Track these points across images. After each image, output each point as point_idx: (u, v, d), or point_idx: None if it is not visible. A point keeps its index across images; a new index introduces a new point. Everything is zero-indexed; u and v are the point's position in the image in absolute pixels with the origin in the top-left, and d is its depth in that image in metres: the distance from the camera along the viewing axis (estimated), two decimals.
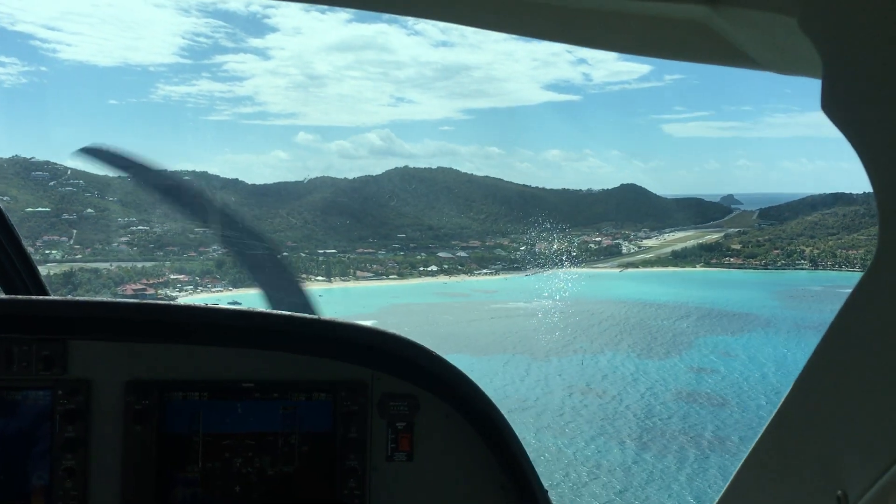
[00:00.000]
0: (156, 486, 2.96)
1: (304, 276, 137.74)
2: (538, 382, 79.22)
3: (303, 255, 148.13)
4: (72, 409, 2.90)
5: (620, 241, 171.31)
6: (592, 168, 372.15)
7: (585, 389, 75.29)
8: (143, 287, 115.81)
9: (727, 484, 2.20)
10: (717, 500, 2.26)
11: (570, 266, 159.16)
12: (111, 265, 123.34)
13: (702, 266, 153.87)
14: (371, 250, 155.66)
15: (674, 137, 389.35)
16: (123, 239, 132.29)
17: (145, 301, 3.06)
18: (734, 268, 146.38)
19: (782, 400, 1.85)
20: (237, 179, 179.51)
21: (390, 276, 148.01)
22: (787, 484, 1.88)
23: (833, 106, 1.47)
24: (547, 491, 3.13)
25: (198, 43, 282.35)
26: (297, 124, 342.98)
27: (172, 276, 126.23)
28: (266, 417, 3.08)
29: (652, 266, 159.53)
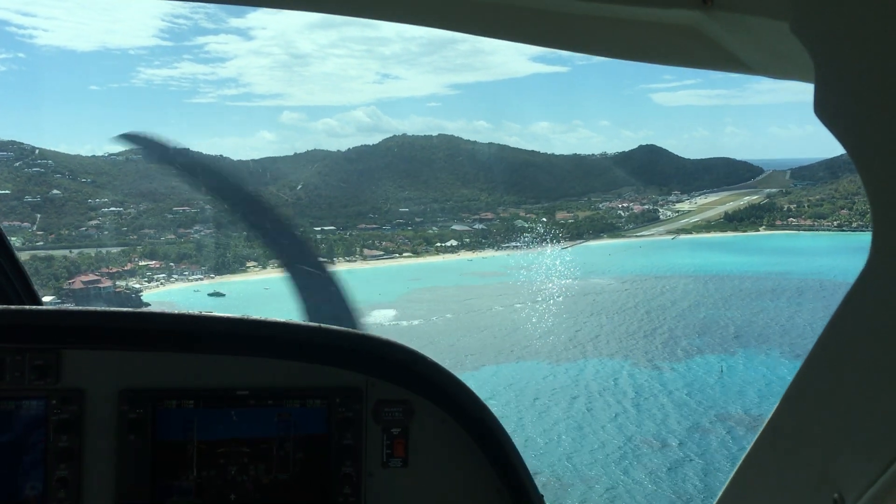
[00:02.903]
0: (150, 495, 2.83)
1: None
2: (648, 404, 51.00)
3: (297, 233, 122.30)
4: (65, 418, 2.77)
5: (649, 206, 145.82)
6: (582, 139, 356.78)
7: (743, 418, 46.95)
8: (98, 278, 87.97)
9: (723, 488, 2.08)
10: None
11: (607, 237, 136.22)
12: (71, 252, 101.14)
13: (765, 229, 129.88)
14: (374, 226, 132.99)
15: (663, 107, 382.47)
16: (93, 222, 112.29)
17: (139, 310, 2.94)
18: (803, 230, 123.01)
19: (778, 403, 1.76)
20: (221, 156, 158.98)
21: (404, 254, 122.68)
22: (784, 487, 1.80)
23: (826, 110, 1.41)
24: (542, 496, 2.94)
25: (177, 24, 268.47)
26: (283, 105, 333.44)
27: (142, 263, 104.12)
28: (261, 425, 2.90)
29: (708, 231, 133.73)
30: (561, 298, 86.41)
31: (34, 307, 3.12)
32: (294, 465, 2.88)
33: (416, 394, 2.93)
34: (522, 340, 69.49)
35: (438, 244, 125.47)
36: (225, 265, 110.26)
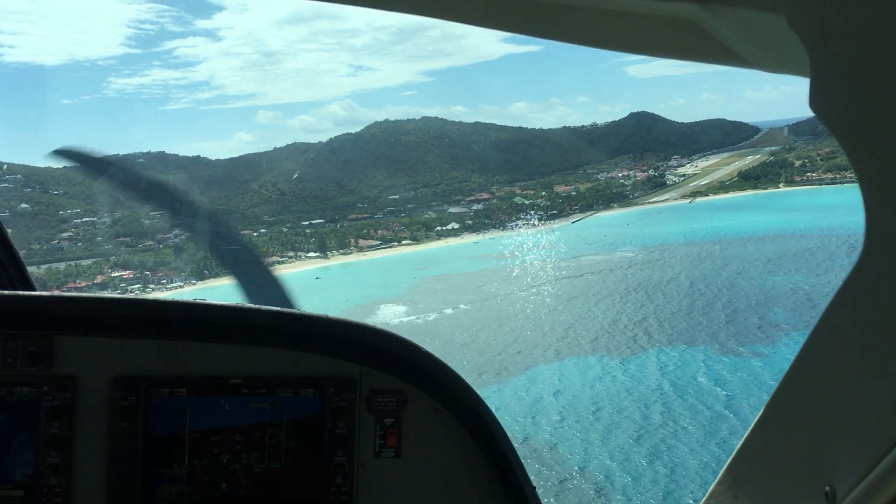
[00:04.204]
0: (141, 483, 2.77)
1: (290, 253, 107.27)
2: (753, 408, 38.85)
3: (285, 229, 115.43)
4: (57, 405, 2.71)
5: (651, 172, 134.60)
6: (560, 116, 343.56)
7: None
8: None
9: (715, 480, 2.03)
10: (705, 497, 2.09)
11: (618, 206, 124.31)
12: (39, 268, 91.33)
13: (784, 185, 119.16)
14: (366, 216, 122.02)
15: (637, 79, 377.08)
16: (65, 235, 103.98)
17: (133, 297, 2.95)
18: (825, 183, 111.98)
19: (771, 396, 1.74)
20: (199, 156, 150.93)
21: (403, 242, 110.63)
22: (776, 480, 1.77)
23: (821, 104, 1.36)
24: (535, 487, 2.87)
25: (144, 30, 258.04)
26: (257, 104, 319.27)
27: (114, 274, 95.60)
28: (253, 414, 2.84)
29: (725, 192, 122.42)
30: (588, 276, 73.74)
31: (27, 293, 3.06)
32: (286, 454, 2.81)
33: (409, 384, 2.84)
34: (556, 330, 56.57)
35: (439, 228, 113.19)
36: (208, 269, 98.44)
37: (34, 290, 4.00)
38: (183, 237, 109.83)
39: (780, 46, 1.56)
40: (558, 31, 2.02)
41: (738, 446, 1.88)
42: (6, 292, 2.81)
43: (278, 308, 2.79)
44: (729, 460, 1.93)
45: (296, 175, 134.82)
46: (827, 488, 1.48)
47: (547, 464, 33.34)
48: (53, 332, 2.70)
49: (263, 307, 2.78)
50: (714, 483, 1.99)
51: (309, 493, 2.82)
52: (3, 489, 2.70)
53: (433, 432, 2.84)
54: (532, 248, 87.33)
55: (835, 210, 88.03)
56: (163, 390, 2.75)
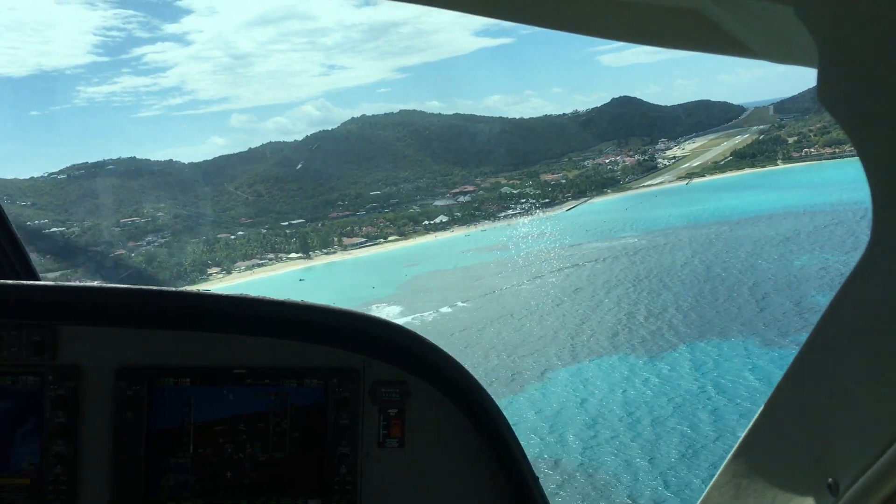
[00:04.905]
0: (146, 472, 2.78)
1: (270, 255, 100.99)
2: None
3: (263, 230, 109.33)
4: (61, 394, 2.72)
5: (639, 157, 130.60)
6: (536, 108, 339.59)
7: None
8: None
9: (718, 472, 2.01)
10: (707, 489, 2.07)
11: (612, 191, 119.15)
12: None
13: (782, 162, 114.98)
14: (347, 213, 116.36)
15: (612, 68, 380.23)
16: (30, 247, 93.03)
17: (137, 286, 2.85)
18: (825, 158, 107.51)
19: (774, 388, 1.72)
20: (171, 160, 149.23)
21: (389, 238, 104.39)
22: (778, 471, 1.76)
23: (829, 95, 1.34)
24: (538, 478, 2.87)
25: (111, 37, 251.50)
26: (231, 108, 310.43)
27: None
28: (257, 404, 2.85)
29: (722, 172, 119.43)
30: (593, 264, 67.70)
31: (32, 282, 3.12)
32: (291, 444, 2.82)
33: (413, 375, 2.86)
34: (567, 327, 50.39)
35: (427, 222, 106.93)
36: (182, 276, 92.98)
37: (38, 279, 3.89)
38: (156, 244, 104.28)
39: (788, 37, 1.51)
40: (562, 21, 1.93)
41: (742, 437, 1.85)
42: (10, 282, 2.82)
43: (283, 299, 2.72)
44: (732, 451, 1.89)
45: (299, 165, 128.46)
46: (830, 480, 1.46)
47: (589, 497, 26.91)
48: (57, 321, 2.67)
49: (267, 297, 2.72)
50: (717, 474, 1.94)
51: (313, 483, 2.81)
52: (9, 477, 2.69)
53: (436, 423, 2.84)
54: (529, 238, 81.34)
55: (840, 185, 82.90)
56: (167, 380, 2.74)
